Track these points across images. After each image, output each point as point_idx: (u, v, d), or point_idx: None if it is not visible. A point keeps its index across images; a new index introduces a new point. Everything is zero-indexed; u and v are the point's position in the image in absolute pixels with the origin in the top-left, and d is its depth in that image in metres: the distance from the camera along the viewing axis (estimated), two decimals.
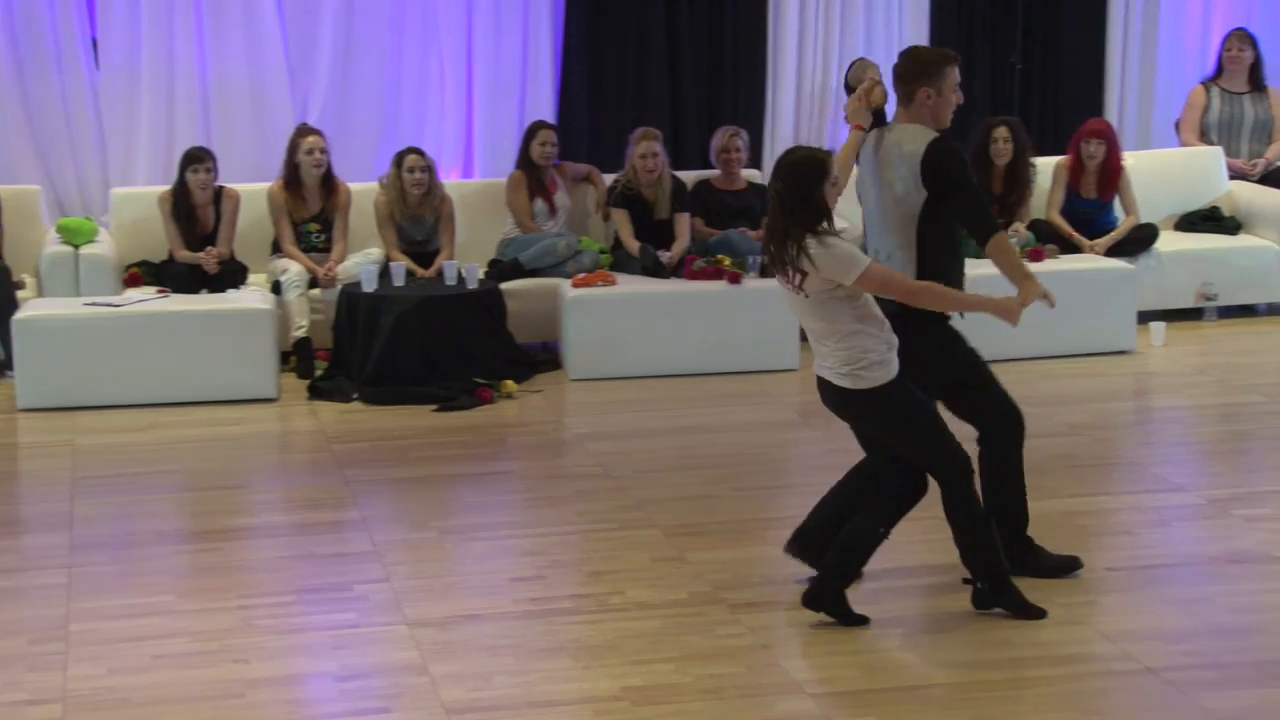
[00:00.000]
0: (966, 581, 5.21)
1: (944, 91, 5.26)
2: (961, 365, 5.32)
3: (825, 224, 4.87)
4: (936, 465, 5.10)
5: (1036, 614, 5.13)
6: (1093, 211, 9.03)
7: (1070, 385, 7.86)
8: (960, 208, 5.20)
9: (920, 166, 5.16)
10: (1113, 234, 8.91)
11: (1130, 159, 9.24)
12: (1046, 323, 8.28)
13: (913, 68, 5.29)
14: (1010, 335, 8.21)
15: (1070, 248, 8.76)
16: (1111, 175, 9.01)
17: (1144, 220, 9.06)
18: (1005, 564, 5.16)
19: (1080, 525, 6.00)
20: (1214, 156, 9.68)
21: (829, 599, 5.13)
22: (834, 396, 5.08)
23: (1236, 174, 9.76)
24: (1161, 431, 7.31)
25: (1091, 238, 8.89)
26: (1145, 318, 8.62)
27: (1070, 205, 9.02)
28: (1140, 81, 11.42)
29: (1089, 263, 8.63)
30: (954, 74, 5.28)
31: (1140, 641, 4.98)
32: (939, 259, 5.23)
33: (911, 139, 5.21)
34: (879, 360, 4.97)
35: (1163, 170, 9.68)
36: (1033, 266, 8.43)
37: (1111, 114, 11.07)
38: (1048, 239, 8.76)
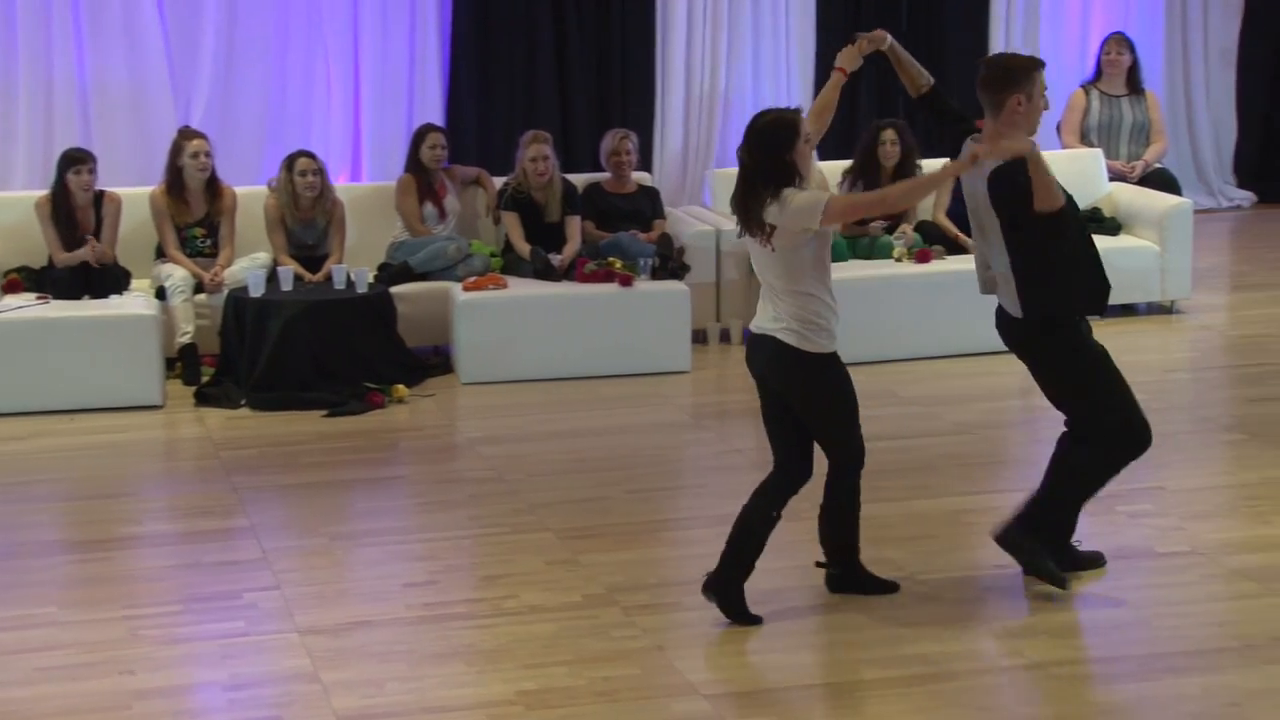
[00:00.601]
0: (820, 565, 5.31)
1: (1034, 97, 5.22)
2: (1089, 365, 5.26)
3: (796, 183, 4.96)
4: (841, 447, 5.14)
5: (890, 588, 5.29)
6: None
7: (958, 385, 7.95)
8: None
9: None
10: None
11: None
12: (936, 322, 8.38)
13: (1001, 74, 5.25)
14: (899, 335, 8.32)
15: (957, 249, 8.85)
16: None
17: None
18: (858, 551, 5.29)
19: (970, 523, 6.06)
20: (1094, 158, 9.83)
21: (726, 590, 5.14)
22: (771, 354, 5.08)
23: (1116, 176, 9.91)
24: (1048, 430, 7.37)
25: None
26: None
27: (956, 207, 9.12)
28: None
29: (974, 263, 8.72)
30: (1042, 79, 5.25)
31: (1027, 637, 5.04)
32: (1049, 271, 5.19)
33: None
34: (826, 328, 5.09)
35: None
36: (920, 268, 8.60)
37: None
38: (934, 240, 8.85)
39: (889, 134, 8.93)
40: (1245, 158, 12.15)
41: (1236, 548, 5.61)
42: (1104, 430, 5.24)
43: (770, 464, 5.25)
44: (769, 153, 4.95)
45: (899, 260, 8.60)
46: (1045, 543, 5.30)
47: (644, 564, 5.74)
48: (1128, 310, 9.49)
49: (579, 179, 9.07)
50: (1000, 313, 5.35)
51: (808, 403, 5.12)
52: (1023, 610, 5.25)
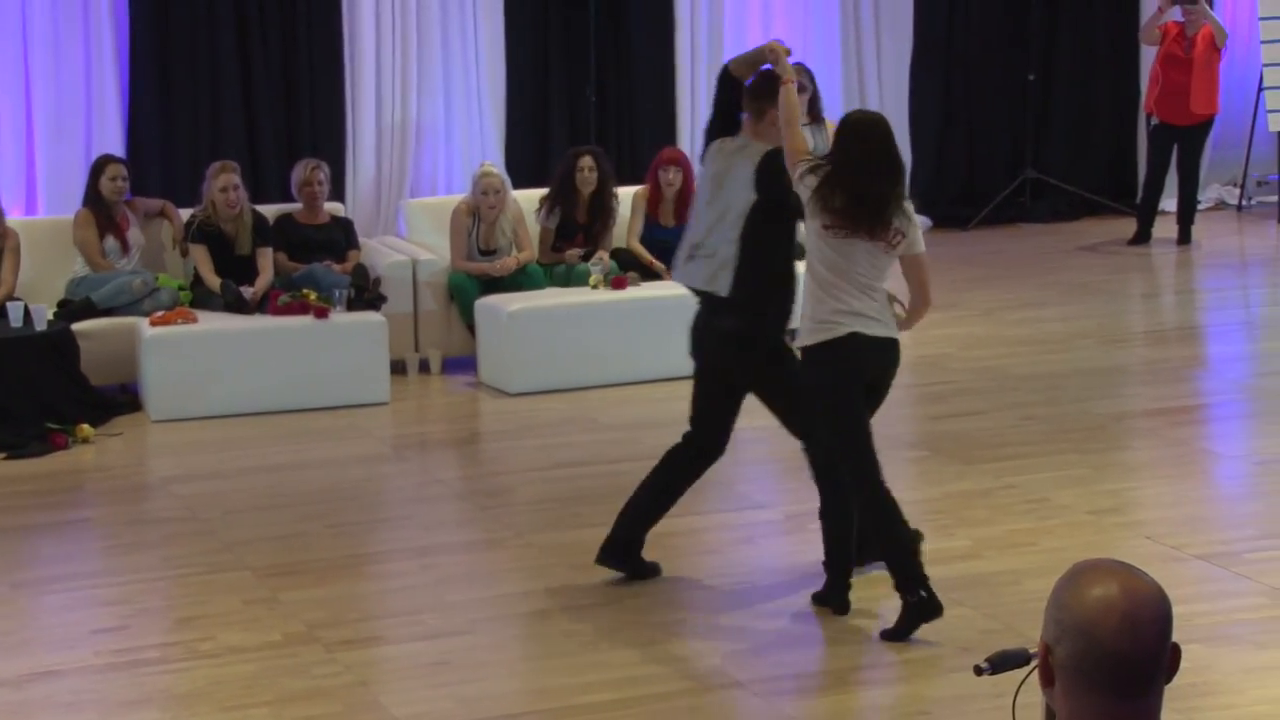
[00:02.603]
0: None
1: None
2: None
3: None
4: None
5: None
6: (671, 239, 9.24)
7: (655, 409, 8.04)
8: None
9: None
10: None
11: None
12: (634, 348, 8.48)
13: (767, 87, 5.46)
14: (598, 361, 8.39)
15: (651, 275, 8.97)
16: (688, 202, 9.27)
17: None
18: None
19: (671, 545, 6.13)
20: None
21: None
22: (894, 356, 5.23)
23: None
24: (744, 451, 7.54)
25: (670, 265, 9.13)
26: None
27: (650, 233, 9.25)
28: (709, 111, 11.83)
29: (669, 289, 8.84)
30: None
31: (731, 656, 5.12)
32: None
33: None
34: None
35: None
36: (616, 294, 8.69)
37: (684, 144, 11.42)
38: (629, 267, 8.96)
39: (586, 160, 9.01)
40: (921, 184, 12.65)
41: (924, 561, 5.80)
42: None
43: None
44: (893, 150, 5.14)
45: (595, 287, 8.68)
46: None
47: (345, 599, 5.64)
48: None
49: (269, 210, 8.90)
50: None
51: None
52: (724, 629, 5.33)
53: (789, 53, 5.60)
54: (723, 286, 5.43)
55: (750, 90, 5.50)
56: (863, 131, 5.15)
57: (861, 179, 5.08)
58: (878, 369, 5.23)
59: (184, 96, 10.55)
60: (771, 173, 5.37)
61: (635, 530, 5.68)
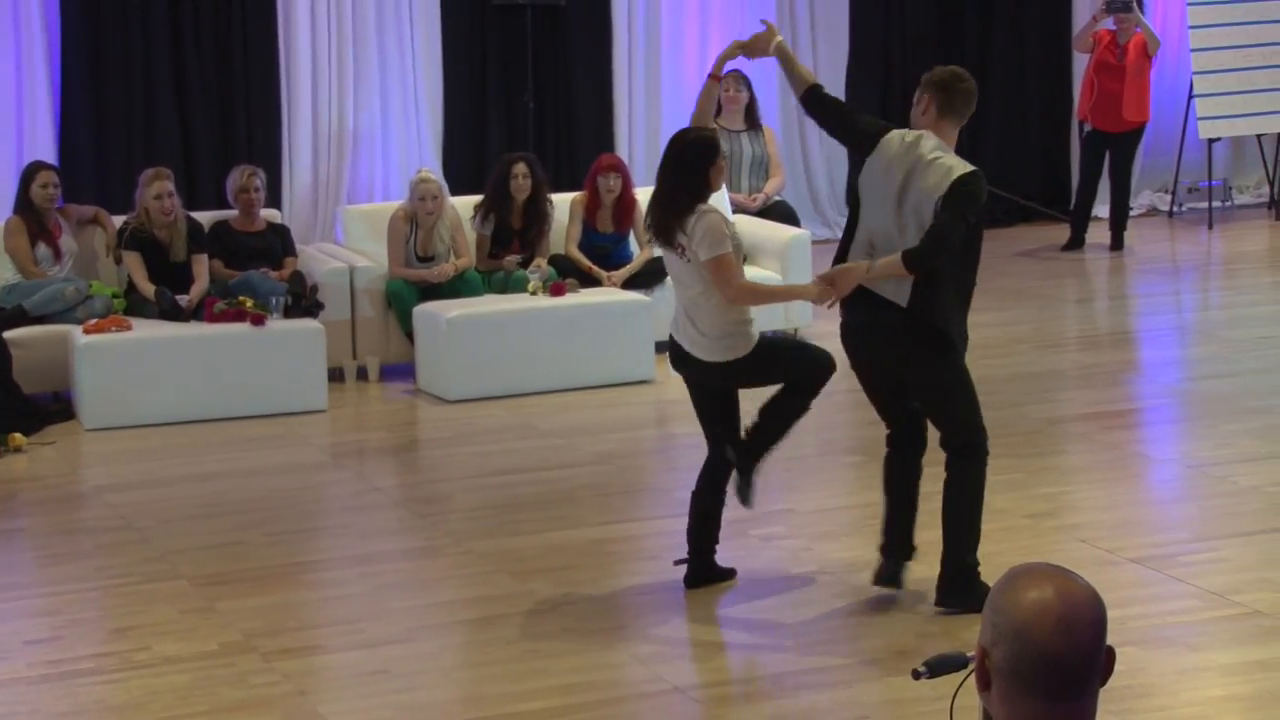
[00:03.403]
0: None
1: None
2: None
3: (707, 200, 5.38)
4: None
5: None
6: (609, 245, 9.28)
7: (594, 415, 8.05)
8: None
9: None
10: (629, 266, 9.19)
11: (641, 194, 9.55)
12: (572, 355, 8.48)
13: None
14: (536, 368, 8.38)
15: (589, 281, 8.97)
16: (627, 209, 9.29)
17: (657, 254, 9.38)
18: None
19: (610, 552, 6.14)
20: (718, 192, 10.11)
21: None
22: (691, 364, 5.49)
23: (738, 208, 10.22)
24: (683, 457, 7.56)
25: (609, 270, 9.15)
26: (662, 348, 8.91)
27: (588, 239, 9.25)
28: (646, 120, 11.86)
29: (607, 295, 8.87)
30: None
31: (669, 662, 5.13)
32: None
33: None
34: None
35: None
36: (554, 301, 8.68)
37: (621, 150, 11.44)
38: (567, 273, 8.95)
39: (520, 168, 9.00)
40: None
41: (861, 566, 5.83)
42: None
43: None
44: (694, 167, 5.34)
45: (534, 294, 8.67)
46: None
47: (283, 608, 5.61)
48: None
49: (204, 216, 8.84)
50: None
51: (757, 382, 5.73)
52: (663, 636, 5.34)
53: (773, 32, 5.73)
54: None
55: (937, 84, 5.28)
56: (667, 149, 5.52)
57: (654, 195, 5.51)
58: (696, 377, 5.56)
59: (117, 102, 10.47)
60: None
61: (899, 536, 5.62)
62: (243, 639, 5.29)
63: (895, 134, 5.34)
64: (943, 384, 5.37)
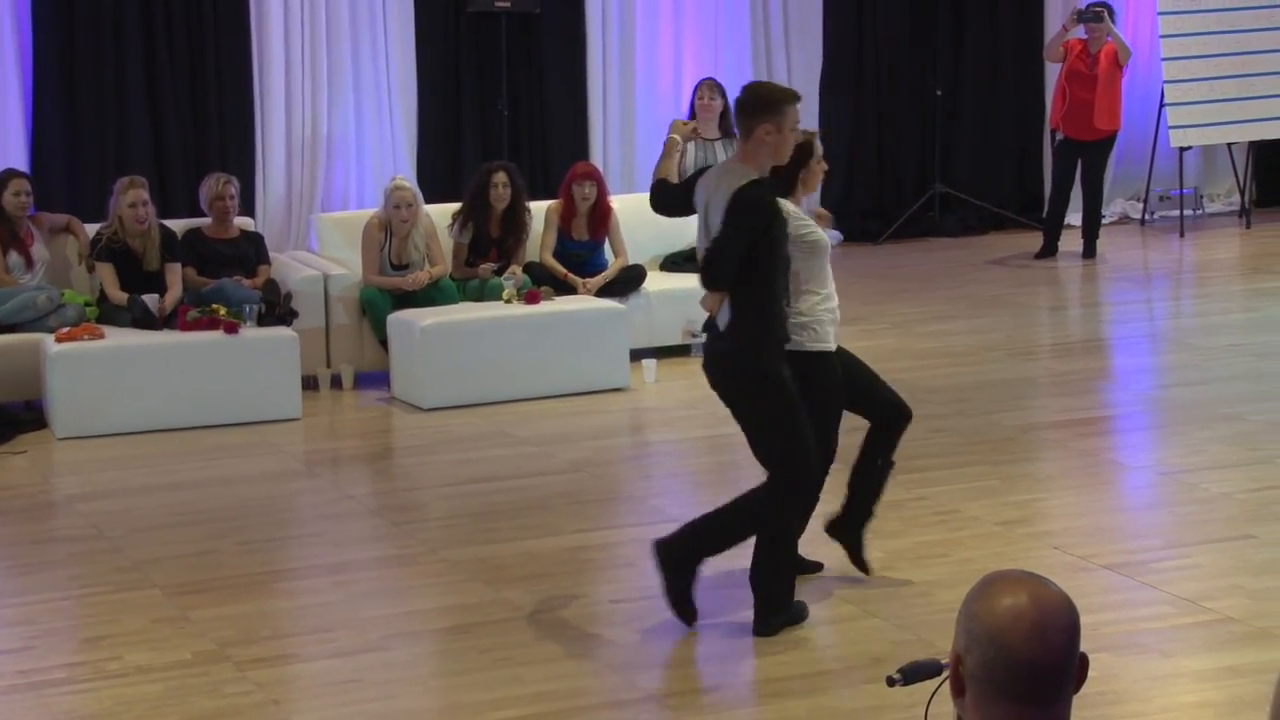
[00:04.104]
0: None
1: (784, 129, 5.21)
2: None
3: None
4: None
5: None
6: (584, 253, 9.29)
7: (569, 423, 8.05)
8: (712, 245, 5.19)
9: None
10: (604, 274, 9.20)
11: (615, 202, 9.56)
12: (543, 363, 8.48)
13: (756, 102, 5.24)
14: (510, 375, 8.38)
15: (565, 288, 8.97)
16: (602, 217, 9.30)
17: (632, 261, 9.39)
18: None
19: (586, 559, 6.13)
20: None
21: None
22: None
23: None
24: (658, 465, 7.57)
25: (584, 278, 9.15)
26: (637, 355, 8.92)
27: (563, 247, 9.25)
28: (621, 127, 11.87)
29: (582, 303, 8.87)
30: (795, 112, 5.25)
31: (644, 670, 5.12)
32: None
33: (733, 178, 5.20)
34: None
35: (646, 212, 9.98)
36: (529, 309, 8.68)
37: (596, 158, 11.45)
38: (542, 281, 8.96)
39: (500, 177, 9.00)
40: (832, 198, 12.73)
41: (838, 573, 5.84)
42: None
43: None
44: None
45: (508, 301, 8.66)
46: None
47: (256, 617, 5.59)
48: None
49: (177, 224, 8.82)
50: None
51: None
52: (638, 644, 5.34)
53: (691, 128, 5.87)
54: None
55: (739, 106, 5.30)
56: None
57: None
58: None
59: (90, 110, 10.44)
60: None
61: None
62: (216, 648, 5.27)
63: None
64: (754, 423, 5.31)
